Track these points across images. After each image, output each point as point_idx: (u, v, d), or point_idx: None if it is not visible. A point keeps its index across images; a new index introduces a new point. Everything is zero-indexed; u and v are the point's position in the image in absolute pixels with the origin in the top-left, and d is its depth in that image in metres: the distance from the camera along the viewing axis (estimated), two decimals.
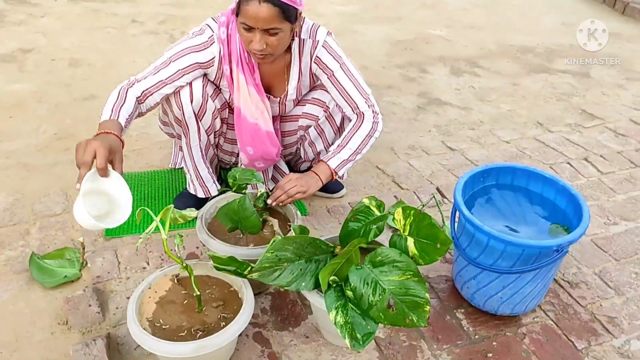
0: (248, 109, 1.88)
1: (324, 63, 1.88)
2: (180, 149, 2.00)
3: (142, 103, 1.76)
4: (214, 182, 2.07)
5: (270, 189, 2.00)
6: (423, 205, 1.89)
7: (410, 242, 1.48)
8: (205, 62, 1.81)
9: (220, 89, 1.92)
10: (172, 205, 1.42)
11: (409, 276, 1.42)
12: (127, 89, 1.70)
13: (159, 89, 1.77)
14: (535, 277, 1.64)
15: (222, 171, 2.30)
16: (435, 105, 3.10)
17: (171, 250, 1.56)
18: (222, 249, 1.62)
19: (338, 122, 2.04)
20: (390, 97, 3.10)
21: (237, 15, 1.67)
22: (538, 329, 1.73)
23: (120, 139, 1.52)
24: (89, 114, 2.72)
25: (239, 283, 1.54)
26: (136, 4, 4.02)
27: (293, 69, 1.90)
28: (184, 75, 1.78)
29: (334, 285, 1.44)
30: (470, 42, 3.98)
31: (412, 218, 1.48)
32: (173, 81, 1.77)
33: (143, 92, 1.75)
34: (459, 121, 2.97)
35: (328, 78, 1.91)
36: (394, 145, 2.67)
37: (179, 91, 1.82)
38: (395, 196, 2.31)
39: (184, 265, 1.42)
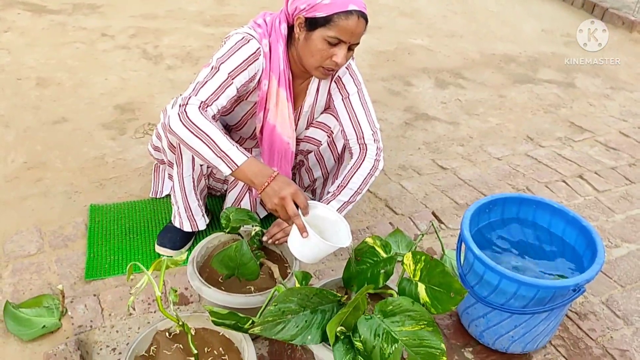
0: (284, 127, 1.78)
1: (342, 83, 1.83)
2: (170, 177, 1.87)
3: None
4: (203, 216, 1.94)
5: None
6: (423, 235, 1.79)
7: (422, 288, 1.39)
8: (249, 78, 1.67)
9: (233, 108, 1.79)
10: (164, 257, 1.30)
11: (422, 326, 1.33)
12: (209, 116, 1.55)
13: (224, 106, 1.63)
14: (549, 315, 1.56)
15: (208, 198, 2.17)
16: (423, 120, 3.01)
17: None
18: (219, 297, 1.50)
19: (339, 150, 1.95)
20: (376, 113, 2.98)
21: (314, 28, 1.57)
22: None
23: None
24: (60, 139, 2.55)
25: (238, 337, 1.42)
26: (105, 17, 3.83)
27: (312, 85, 1.83)
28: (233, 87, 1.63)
29: (342, 336, 1.34)
30: (452, 51, 3.91)
31: (422, 264, 1.38)
32: (233, 96, 1.63)
33: (215, 113, 1.61)
34: (447, 137, 2.89)
35: (342, 99, 1.84)
36: (384, 165, 2.56)
37: None
38: (390, 223, 2.21)
39: (181, 323, 1.30)
